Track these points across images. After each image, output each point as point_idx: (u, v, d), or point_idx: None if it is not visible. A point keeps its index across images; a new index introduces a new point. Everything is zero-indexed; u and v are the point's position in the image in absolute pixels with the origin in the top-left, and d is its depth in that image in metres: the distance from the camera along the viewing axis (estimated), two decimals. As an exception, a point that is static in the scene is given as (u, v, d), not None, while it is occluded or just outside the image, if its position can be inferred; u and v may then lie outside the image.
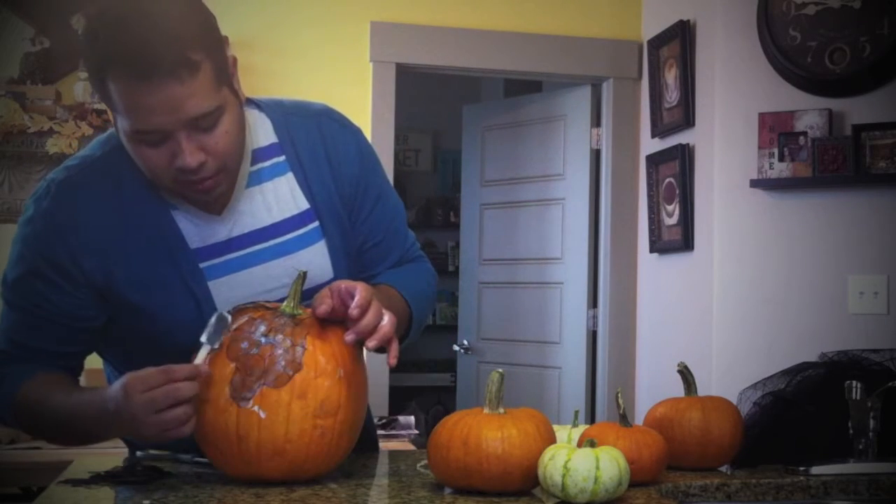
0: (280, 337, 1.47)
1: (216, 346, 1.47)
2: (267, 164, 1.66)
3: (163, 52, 1.41)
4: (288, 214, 1.66)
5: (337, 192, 1.69)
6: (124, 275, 1.57)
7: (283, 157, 1.67)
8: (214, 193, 1.56)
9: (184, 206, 1.60)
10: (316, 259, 1.66)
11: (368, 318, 1.47)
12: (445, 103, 6.42)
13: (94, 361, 1.71)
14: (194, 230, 1.60)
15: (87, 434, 1.57)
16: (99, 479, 1.52)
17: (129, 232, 1.57)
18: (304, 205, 1.67)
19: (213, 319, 1.48)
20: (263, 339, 1.47)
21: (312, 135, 1.70)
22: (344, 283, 1.50)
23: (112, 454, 1.78)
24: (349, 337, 1.47)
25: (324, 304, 1.49)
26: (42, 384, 1.58)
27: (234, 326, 1.50)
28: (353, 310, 1.46)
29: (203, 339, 1.47)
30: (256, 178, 1.64)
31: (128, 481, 1.51)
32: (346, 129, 1.75)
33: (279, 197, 1.65)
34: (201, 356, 1.46)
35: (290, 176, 1.67)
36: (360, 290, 1.48)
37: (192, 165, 1.47)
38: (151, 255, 1.57)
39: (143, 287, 1.57)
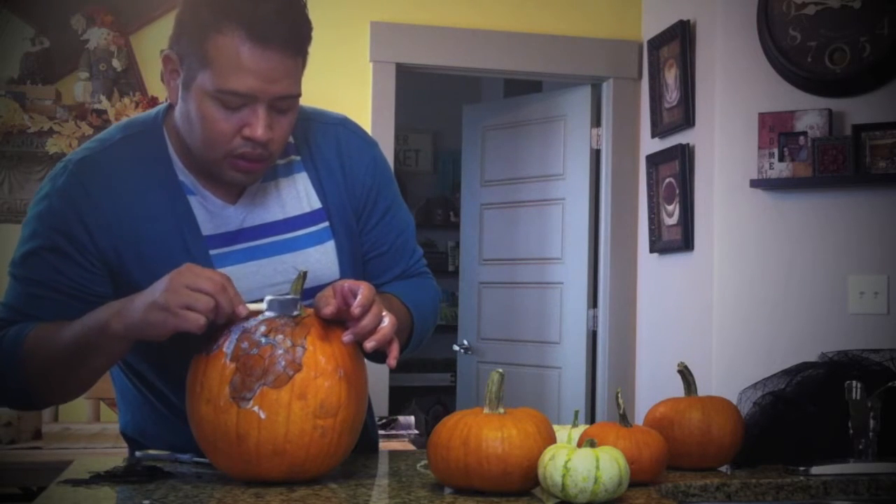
0: (280, 337, 1.47)
1: (268, 313, 1.49)
2: (282, 161, 1.69)
3: (289, 25, 1.51)
4: (300, 212, 1.68)
5: (348, 198, 1.72)
6: (135, 256, 1.58)
7: (298, 157, 1.70)
8: (254, 176, 1.61)
9: (201, 192, 1.63)
10: (324, 258, 1.68)
11: (368, 319, 1.47)
12: (445, 103, 6.42)
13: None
14: (208, 217, 1.63)
15: (101, 343, 1.50)
16: (99, 479, 1.52)
17: (144, 214, 1.59)
18: (316, 204, 1.69)
19: (290, 294, 1.50)
20: (263, 340, 1.47)
21: (329, 141, 1.73)
22: (347, 283, 1.50)
23: (112, 454, 1.78)
24: (347, 337, 1.48)
25: (329, 304, 1.49)
26: (54, 323, 1.55)
27: (234, 326, 1.50)
28: (355, 308, 1.46)
29: (267, 297, 1.49)
30: (272, 174, 1.67)
31: (128, 481, 1.51)
32: (362, 140, 1.78)
33: (292, 194, 1.69)
34: (254, 305, 1.48)
35: (304, 175, 1.70)
36: (363, 290, 1.48)
37: (263, 138, 1.53)
38: (163, 238, 1.59)
39: (153, 269, 1.57)
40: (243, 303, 1.47)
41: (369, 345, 1.47)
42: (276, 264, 1.65)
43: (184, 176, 1.63)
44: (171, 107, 1.66)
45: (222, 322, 1.47)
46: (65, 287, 1.57)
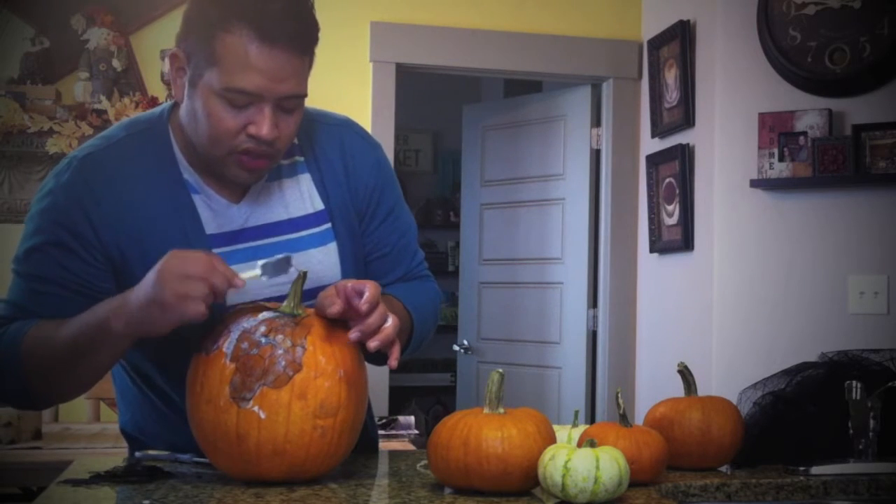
0: (280, 337, 1.47)
1: (263, 278, 1.51)
2: (286, 161, 1.69)
3: (297, 24, 1.52)
4: (303, 213, 1.69)
5: (351, 200, 1.73)
6: (138, 253, 1.58)
7: (301, 158, 1.71)
8: (258, 174, 1.61)
9: (205, 190, 1.63)
10: (326, 260, 1.68)
11: (374, 317, 1.48)
12: (445, 103, 6.42)
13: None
14: (211, 216, 1.63)
15: (101, 341, 1.49)
16: (99, 479, 1.52)
17: (147, 212, 1.59)
18: (319, 205, 1.70)
19: (281, 256, 1.52)
20: (263, 340, 1.47)
21: (333, 142, 1.74)
22: (350, 282, 1.51)
23: (112, 454, 1.78)
24: (354, 335, 1.48)
25: (335, 304, 1.49)
26: (53, 321, 1.54)
27: (234, 326, 1.50)
28: (363, 304, 1.47)
29: (260, 262, 1.51)
30: (276, 174, 1.68)
31: (128, 481, 1.51)
32: (366, 141, 1.79)
33: (296, 195, 1.69)
34: (247, 274, 1.48)
35: (307, 176, 1.70)
36: (370, 288, 1.49)
37: (268, 136, 1.54)
38: (166, 236, 1.59)
39: (153, 265, 1.57)
40: (237, 274, 1.46)
41: (373, 344, 1.48)
42: None
43: (188, 174, 1.63)
44: (175, 105, 1.66)
45: (222, 300, 1.47)
46: (69, 282, 1.56)
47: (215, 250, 1.62)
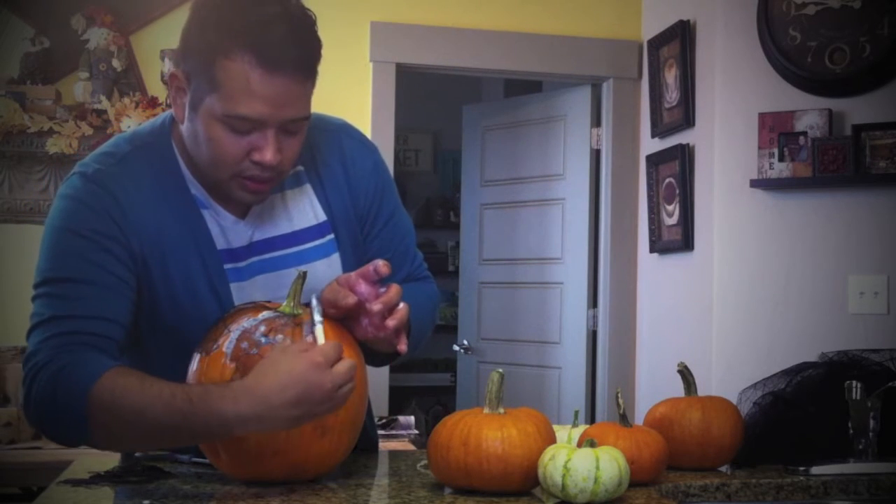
0: (280, 337, 1.47)
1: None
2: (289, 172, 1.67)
3: (299, 49, 1.49)
4: (306, 224, 1.68)
5: (352, 206, 1.72)
6: (159, 264, 1.57)
7: (302, 168, 1.70)
8: (263, 196, 1.60)
9: (213, 206, 1.62)
10: (330, 270, 1.68)
11: (393, 292, 1.50)
12: (445, 103, 6.42)
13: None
14: (220, 232, 1.62)
15: (209, 436, 1.44)
16: (99, 479, 1.52)
17: (162, 225, 1.58)
18: (321, 216, 1.69)
19: (314, 303, 1.48)
20: (263, 339, 1.47)
21: (332, 149, 1.73)
22: (353, 273, 1.52)
23: (112, 454, 1.78)
24: (377, 306, 1.49)
25: (349, 297, 1.50)
26: (126, 373, 1.44)
27: (234, 326, 1.50)
28: (382, 267, 1.49)
29: (318, 319, 1.46)
30: (279, 187, 1.66)
31: (128, 481, 1.51)
32: (364, 145, 1.78)
33: (298, 207, 1.68)
34: (321, 336, 1.45)
35: (308, 187, 1.69)
36: (383, 263, 1.50)
37: (272, 162, 1.52)
38: (182, 250, 1.58)
39: (172, 280, 1.57)
40: (336, 346, 1.43)
41: (392, 322, 1.49)
42: (283, 277, 1.63)
43: (195, 189, 1.62)
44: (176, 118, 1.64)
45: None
46: (105, 279, 1.51)
47: (225, 266, 1.61)
